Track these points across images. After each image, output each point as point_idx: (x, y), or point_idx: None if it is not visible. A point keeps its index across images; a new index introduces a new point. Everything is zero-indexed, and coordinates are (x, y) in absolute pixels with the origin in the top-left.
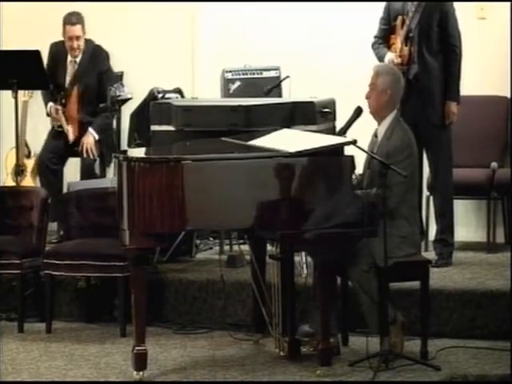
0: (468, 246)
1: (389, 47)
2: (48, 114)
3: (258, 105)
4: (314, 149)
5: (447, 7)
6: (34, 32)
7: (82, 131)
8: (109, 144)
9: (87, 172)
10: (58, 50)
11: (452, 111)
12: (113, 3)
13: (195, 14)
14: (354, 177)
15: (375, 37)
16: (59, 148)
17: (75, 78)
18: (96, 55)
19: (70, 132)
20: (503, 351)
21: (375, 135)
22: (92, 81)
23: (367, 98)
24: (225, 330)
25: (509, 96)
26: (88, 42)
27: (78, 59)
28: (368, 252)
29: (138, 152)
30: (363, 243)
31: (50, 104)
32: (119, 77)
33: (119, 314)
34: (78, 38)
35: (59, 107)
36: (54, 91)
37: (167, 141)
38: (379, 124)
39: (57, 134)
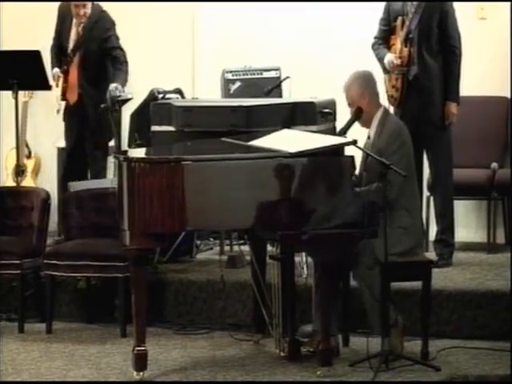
0: (468, 247)
1: (389, 48)
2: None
3: (258, 105)
4: (315, 149)
5: (447, 8)
6: (33, 32)
7: (80, 102)
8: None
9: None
10: (65, 12)
11: (452, 112)
12: (112, 4)
13: (195, 13)
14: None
15: (375, 37)
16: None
17: (78, 45)
18: (101, 22)
19: (62, 107)
20: (503, 352)
21: (368, 137)
22: (94, 47)
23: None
24: (225, 331)
25: (509, 96)
26: (94, 6)
27: (82, 24)
28: (370, 248)
29: (139, 152)
30: (365, 241)
31: (56, 69)
32: None
33: (119, 314)
34: (84, 5)
35: (61, 75)
36: (61, 57)
37: (167, 141)
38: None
39: (73, 153)
